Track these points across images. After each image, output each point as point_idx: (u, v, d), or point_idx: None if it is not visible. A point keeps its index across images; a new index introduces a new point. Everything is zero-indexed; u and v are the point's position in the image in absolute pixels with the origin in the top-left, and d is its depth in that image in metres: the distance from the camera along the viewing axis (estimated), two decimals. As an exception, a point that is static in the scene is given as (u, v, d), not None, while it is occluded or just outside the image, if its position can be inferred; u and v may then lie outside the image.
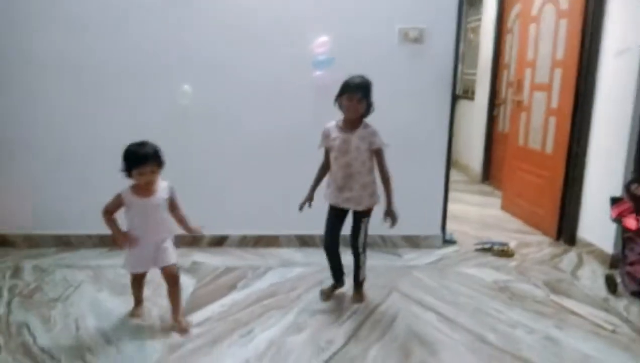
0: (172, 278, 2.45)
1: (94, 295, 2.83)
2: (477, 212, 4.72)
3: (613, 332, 2.56)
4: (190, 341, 2.37)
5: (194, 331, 2.46)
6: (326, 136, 2.64)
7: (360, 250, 2.75)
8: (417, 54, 3.45)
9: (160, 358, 2.22)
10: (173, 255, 2.46)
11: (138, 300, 2.64)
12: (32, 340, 2.37)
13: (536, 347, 2.40)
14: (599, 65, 3.56)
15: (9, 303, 2.71)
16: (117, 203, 2.41)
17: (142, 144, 2.34)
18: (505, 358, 2.30)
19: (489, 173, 5.85)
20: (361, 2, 3.36)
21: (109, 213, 2.41)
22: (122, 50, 3.32)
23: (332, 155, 2.62)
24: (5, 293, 2.83)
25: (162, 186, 2.42)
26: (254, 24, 3.34)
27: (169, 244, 2.46)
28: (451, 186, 5.47)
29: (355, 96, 2.50)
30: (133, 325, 2.52)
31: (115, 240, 2.43)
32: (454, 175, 6.27)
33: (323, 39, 3.31)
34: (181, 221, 2.51)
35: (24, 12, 3.24)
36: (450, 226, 3.91)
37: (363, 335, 2.47)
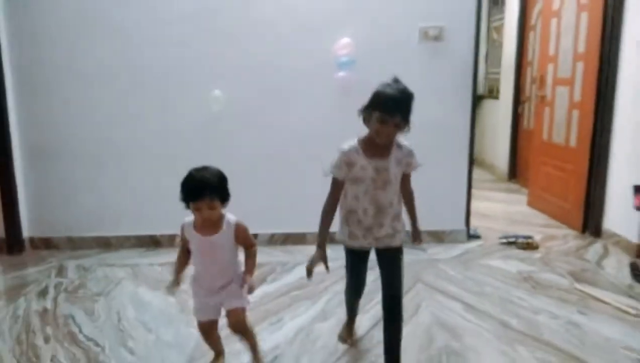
0: (236, 325, 2.01)
1: (134, 290, 3.01)
2: (503, 209, 4.74)
3: (637, 316, 2.59)
4: (223, 327, 2.51)
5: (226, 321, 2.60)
6: (348, 163, 1.95)
7: (401, 299, 2.05)
8: (437, 52, 3.54)
9: (196, 345, 2.36)
10: (238, 299, 2.00)
11: (215, 351, 2.20)
12: (78, 329, 2.55)
13: (559, 331, 2.45)
14: (620, 57, 3.58)
15: (55, 299, 2.91)
16: (182, 236, 2.00)
17: (202, 170, 1.89)
18: (528, 342, 2.36)
19: (516, 171, 5.85)
20: (381, 2, 3.48)
21: (182, 247, 2.03)
22: (159, 58, 3.52)
23: (359, 189, 1.97)
24: (52, 290, 3.03)
25: (229, 220, 1.97)
26: (279, 29, 3.49)
27: (234, 287, 1.99)
28: (477, 185, 5.53)
29: (393, 119, 1.85)
30: (171, 315, 2.67)
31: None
32: (480, 174, 6.31)
33: (345, 40, 3.43)
34: (246, 268, 2.01)
35: (69, 22, 3.46)
36: (476, 223, 3.97)
37: (388, 322, 2.56)
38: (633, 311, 2.63)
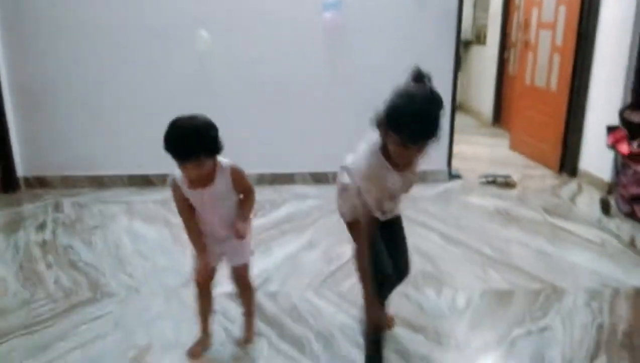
0: (238, 280, 1.97)
1: (128, 223, 3.15)
2: (486, 152, 4.90)
3: (601, 244, 2.79)
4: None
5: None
6: (379, 187, 1.64)
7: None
8: (422, -5, 3.59)
9: (190, 270, 2.51)
10: (240, 255, 1.92)
11: (203, 327, 1.97)
12: (78, 257, 2.69)
13: (527, 258, 2.64)
14: (601, 2, 3.65)
15: (53, 231, 3.04)
16: (177, 196, 1.81)
17: (188, 121, 1.66)
18: (498, 266, 2.55)
19: (500, 116, 5.98)
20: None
21: (182, 214, 1.83)
22: (150, 6, 3.54)
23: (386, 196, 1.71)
24: (50, 224, 3.16)
25: (223, 167, 1.78)
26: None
27: (237, 241, 1.84)
28: (462, 130, 5.68)
29: (417, 146, 1.50)
30: (166, 245, 2.82)
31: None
32: (466, 120, 6.45)
33: (331, -19, 3.46)
34: (239, 213, 1.83)
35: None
36: (459, 165, 4.13)
37: (370, 250, 2.74)
38: (598, 240, 2.83)
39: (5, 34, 3.54)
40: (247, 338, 1.99)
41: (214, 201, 1.78)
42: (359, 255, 1.68)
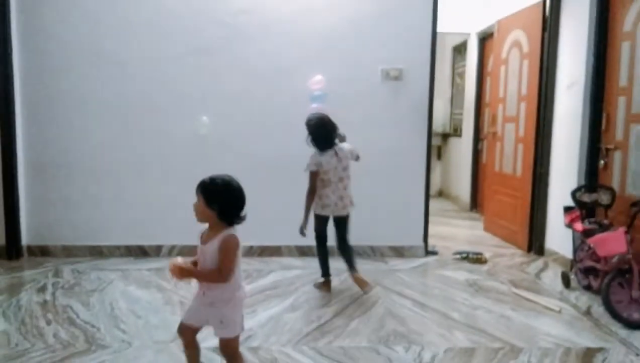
0: (223, 351, 2.08)
1: (124, 288, 3.37)
2: (462, 232, 5.22)
3: (559, 312, 3.04)
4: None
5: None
6: None
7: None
8: (397, 90, 4.08)
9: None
10: (226, 328, 2.02)
11: None
12: (76, 316, 2.90)
13: (491, 322, 2.89)
14: (556, 97, 4.16)
15: (53, 293, 3.26)
16: None
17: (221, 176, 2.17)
18: (464, 328, 2.79)
19: (477, 202, 6.37)
20: (349, 47, 4.03)
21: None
22: (154, 89, 4.01)
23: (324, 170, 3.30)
24: (50, 287, 3.38)
25: (222, 234, 1.99)
26: (260, 68, 4.02)
27: (228, 311, 2.01)
28: (442, 213, 6.07)
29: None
30: (158, 306, 3.04)
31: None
32: (446, 205, 6.84)
33: (318, 77, 3.94)
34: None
35: (74, 55, 3.96)
36: (436, 243, 4.45)
37: (348, 312, 2.98)
38: (557, 309, 3.08)
39: (25, 108, 3.97)
40: None
41: (203, 257, 1.98)
42: (307, 193, 3.28)
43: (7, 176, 3.91)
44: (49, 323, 2.79)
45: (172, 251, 4.02)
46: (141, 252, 4.09)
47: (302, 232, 3.27)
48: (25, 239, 4.05)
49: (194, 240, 2.09)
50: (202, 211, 1.99)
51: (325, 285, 3.39)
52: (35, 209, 4.06)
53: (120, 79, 4.00)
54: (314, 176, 3.25)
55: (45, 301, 3.11)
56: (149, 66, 3.99)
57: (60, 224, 4.08)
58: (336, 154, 3.25)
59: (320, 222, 3.35)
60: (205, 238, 1.99)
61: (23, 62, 3.92)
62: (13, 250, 3.97)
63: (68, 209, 4.07)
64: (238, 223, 2.08)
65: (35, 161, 4.03)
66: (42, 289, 3.32)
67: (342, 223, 3.34)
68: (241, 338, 2.57)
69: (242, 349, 2.46)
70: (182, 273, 1.93)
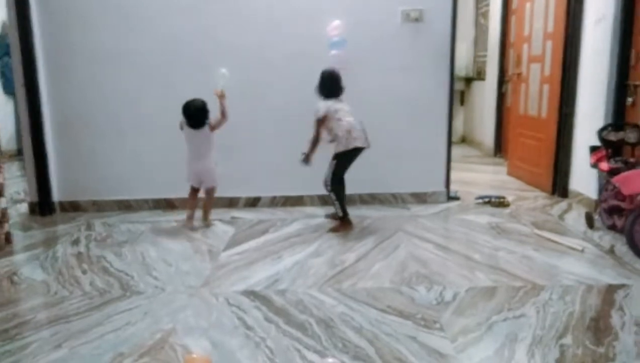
0: (207, 191, 3.73)
1: (155, 239, 3.49)
2: (485, 178, 5.19)
3: (582, 251, 3.05)
4: (232, 262, 3.00)
5: (235, 257, 3.08)
6: None
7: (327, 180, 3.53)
8: (418, 32, 3.99)
9: (210, 274, 2.85)
10: (210, 180, 3.67)
11: (189, 209, 3.70)
12: (110, 265, 3.03)
13: (513, 262, 2.91)
14: (582, 35, 4.02)
15: (87, 245, 3.39)
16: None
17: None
18: (485, 269, 2.82)
19: (500, 147, 6.29)
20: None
21: None
22: (168, 42, 4.00)
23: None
24: (83, 239, 3.52)
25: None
26: (275, 14, 3.96)
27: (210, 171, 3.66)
28: (465, 160, 6.04)
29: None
30: (188, 254, 3.16)
31: None
32: (469, 151, 6.79)
33: (336, 22, 3.86)
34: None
35: (96, 12, 3.96)
36: (459, 188, 4.44)
37: (371, 256, 3.04)
38: (580, 248, 3.08)
39: (47, 66, 4.01)
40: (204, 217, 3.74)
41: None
42: (315, 135, 3.50)
43: (35, 135, 4.01)
44: (84, 272, 2.93)
45: (199, 203, 4.12)
46: (168, 205, 4.20)
47: (306, 161, 3.53)
48: (56, 195, 4.18)
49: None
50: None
51: (349, 223, 3.55)
52: (65, 167, 4.17)
53: (140, 32, 3.99)
54: (319, 124, 3.46)
55: (79, 253, 3.24)
56: (165, 16, 3.96)
57: (89, 180, 4.19)
58: (337, 101, 3.49)
59: (348, 158, 3.44)
60: None
61: (42, 17, 3.94)
62: (46, 206, 4.12)
63: (96, 165, 4.17)
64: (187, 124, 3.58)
65: (61, 119, 4.10)
66: (75, 242, 3.47)
67: (354, 158, 3.48)
68: (268, 282, 2.69)
69: (269, 292, 2.57)
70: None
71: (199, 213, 3.75)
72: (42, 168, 4.08)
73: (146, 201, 4.22)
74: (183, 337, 2.19)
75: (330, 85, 3.48)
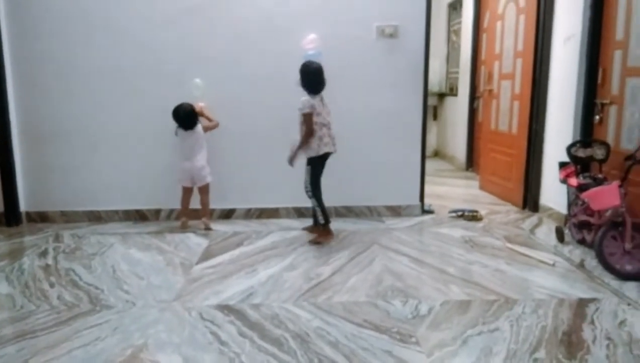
0: (201, 188, 3.90)
1: (125, 251, 3.41)
2: (458, 191, 5.26)
3: (553, 265, 3.11)
4: (206, 275, 2.95)
5: (208, 270, 3.03)
6: None
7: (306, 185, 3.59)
8: (393, 48, 4.03)
9: (182, 287, 2.79)
10: (204, 178, 3.87)
11: (183, 212, 3.91)
12: (79, 278, 2.95)
13: (486, 275, 2.95)
14: (552, 53, 4.13)
15: (55, 257, 3.30)
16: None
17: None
18: (459, 282, 2.85)
19: (472, 161, 6.39)
20: (343, 4, 3.96)
21: None
22: (139, 53, 3.95)
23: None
24: (51, 251, 3.42)
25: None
26: (251, 29, 3.96)
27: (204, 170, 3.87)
28: (438, 173, 6.11)
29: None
30: (159, 268, 3.09)
31: None
32: (442, 165, 6.88)
33: (312, 36, 3.89)
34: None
35: (65, 20, 3.89)
36: (432, 202, 4.48)
37: (346, 270, 3.04)
38: (551, 262, 3.14)
39: (15, 74, 3.92)
40: (203, 214, 3.90)
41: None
42: (305, 135, 3.42)
43: (2, 144, 3.89)
44: (52, 286, 2.84)
45: (171, 214, 4.06)
46: (139, 216, 4.12)
47: (291, 162, 3.53)
48: (23, 205, 4.07)
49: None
50: None
51: (329, 232, 3.60)
52: (33, 176, 4.06)
53: (112, 44, 3.93)
54: (309, 118, 3.41)
55: (47, 265, 3.15)
56: (140, 29, 3.92)
57: (58, 190, 4.09)
58: (322, 99, 3.50)
59: (320, 163, 3.52)
60: None
61: (12, 25, 3.85)
62: (12, 216, 4.00)
63: (65, 175, 4.07)
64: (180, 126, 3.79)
65: (29, 128, 4.00)
66: (43, 253, 3.36)
67: (325, 163, 3.56)
68: (244, 296, 2.65)
69: (244, 306, 2.53)
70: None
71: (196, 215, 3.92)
72: (9, 178, 3.96)
73: (116, 212, 4.13)
74: (155, 353, 2.13)
75: (314, 80, 3.45)
